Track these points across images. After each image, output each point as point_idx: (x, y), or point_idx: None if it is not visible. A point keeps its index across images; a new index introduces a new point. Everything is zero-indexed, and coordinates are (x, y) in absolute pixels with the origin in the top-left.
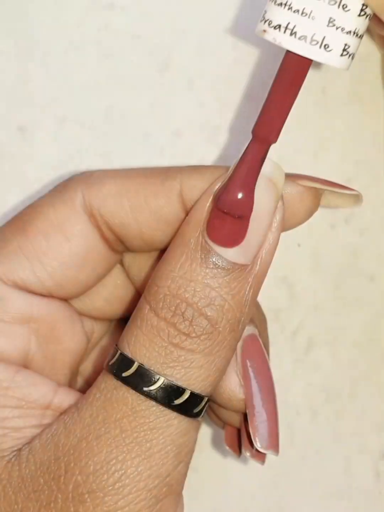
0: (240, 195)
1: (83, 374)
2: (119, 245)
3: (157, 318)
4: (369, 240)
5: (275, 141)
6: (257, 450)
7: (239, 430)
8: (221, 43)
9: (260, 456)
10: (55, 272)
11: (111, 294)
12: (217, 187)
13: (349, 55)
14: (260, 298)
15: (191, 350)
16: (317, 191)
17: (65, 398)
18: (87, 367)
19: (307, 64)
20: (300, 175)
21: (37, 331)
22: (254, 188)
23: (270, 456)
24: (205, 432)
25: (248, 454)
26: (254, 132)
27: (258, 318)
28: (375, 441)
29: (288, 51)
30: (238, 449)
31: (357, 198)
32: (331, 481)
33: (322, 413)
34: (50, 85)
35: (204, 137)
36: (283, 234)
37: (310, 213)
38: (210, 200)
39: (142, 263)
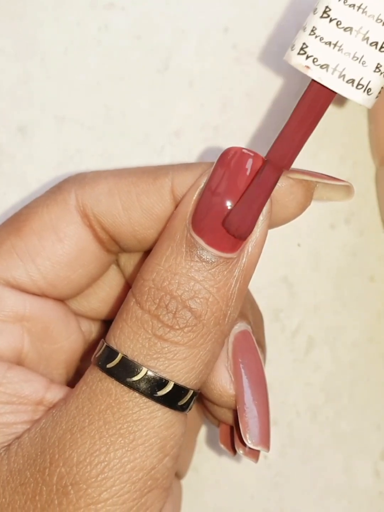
0: (247, 220)
1: (82, 374)
2: (113, 246)
3: (142, 310)
4: (369, 240)
5: (288, 168)
6: (249, 447)
7: (233, 428)
8: (221, 43)
9: (253, 454)
10: (48, 272)
11: (108, 295)
12: (203, 181)
13: (379, 95)
14: (259, 298)
15: (175, 342)
16: (309, 185)
17: (58, 394)
18: (85, 367)
19: (334, 96)
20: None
21: (30, 330)
22: (260, 212)
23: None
24: (205, 432)
25: (241, 451)
26: (270, 157)
27: (253, 315)
28: (375, 441)
29: (317, 84)
30: (232, 448)
31: (348, 189)
32: (331, 481)
33: (322, 413)
34: (50, 85)
35: (204, 137)
36: (283, 234)
37: (302, 207)
38: (196, 194)
39: (137, 264)
